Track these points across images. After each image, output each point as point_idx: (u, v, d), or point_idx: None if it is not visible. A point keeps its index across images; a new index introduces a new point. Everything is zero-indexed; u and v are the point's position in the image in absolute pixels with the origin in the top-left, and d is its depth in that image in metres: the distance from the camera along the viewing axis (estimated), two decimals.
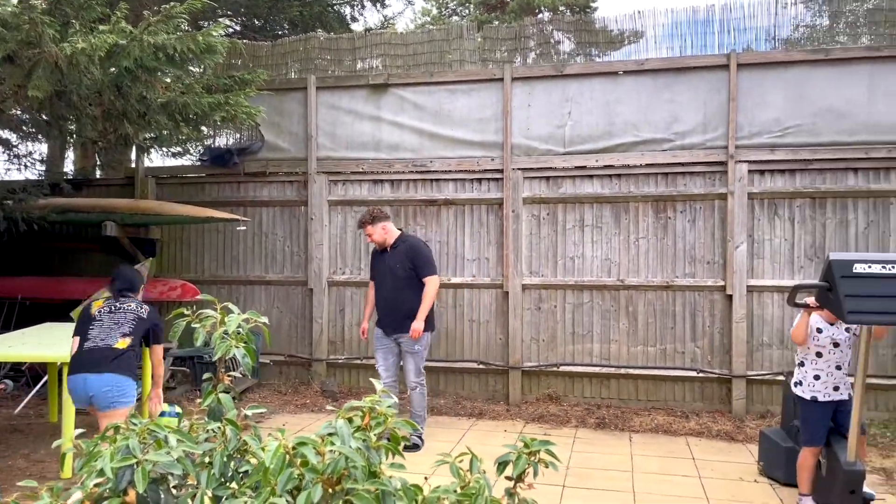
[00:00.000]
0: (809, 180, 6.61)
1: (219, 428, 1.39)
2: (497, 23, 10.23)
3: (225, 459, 1.33)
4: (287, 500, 1.08)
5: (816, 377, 4.32)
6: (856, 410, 4.03)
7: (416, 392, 5.72)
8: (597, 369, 6.96)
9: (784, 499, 4.64)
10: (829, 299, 3.88)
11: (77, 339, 4.45)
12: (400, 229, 6.02)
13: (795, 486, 4.76)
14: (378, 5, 11.19)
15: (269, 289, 7.84)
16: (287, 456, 1.15)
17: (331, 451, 1.14)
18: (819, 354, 4.31)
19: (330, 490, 1.10)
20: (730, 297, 6.68)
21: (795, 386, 4.43)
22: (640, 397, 6.91)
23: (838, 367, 4.28)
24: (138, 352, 4.54)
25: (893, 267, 3.62)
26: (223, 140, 8.07)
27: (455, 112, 7.31)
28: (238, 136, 7.98)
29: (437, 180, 7.37)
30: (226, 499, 1.20)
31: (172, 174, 8.19)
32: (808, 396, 4.33)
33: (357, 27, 11.90)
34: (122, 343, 4.35)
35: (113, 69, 4.20)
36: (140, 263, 7.42)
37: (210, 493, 1.28)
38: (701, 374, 6.77)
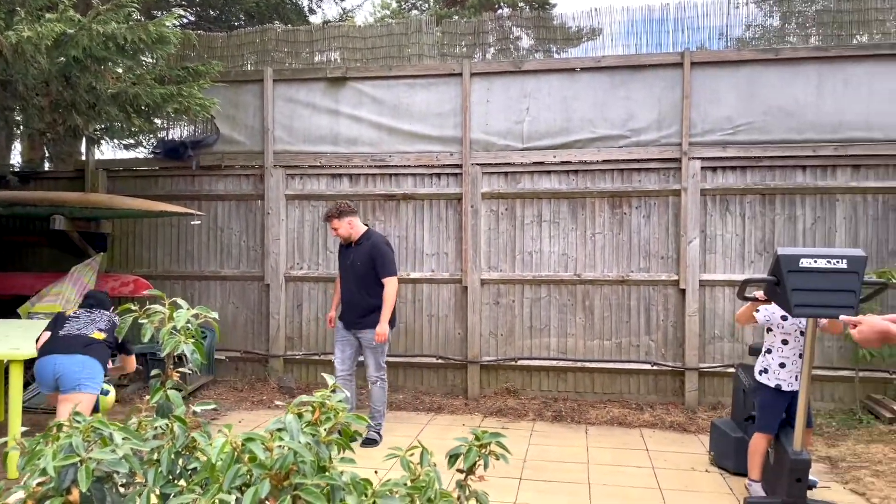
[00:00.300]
0: (760, 177, 6.77)
1: (167, 425, 1.37)
2: (457, 18, 10.24)
3: (173, 457, 1.31)
4: (235, 497, 1.07)
5: (782, 365, 4.41)
6: (802, 401, 4.16)
7: (376, 386, 5.71)
8: (554, 363, 7.03)
9: (734, 487, 4.76)
10: (776, 293, 3.99)
11: (48, 333, 4.54)
12: (366, 225, 5.99)
13: (745, 475, 4.89)
14: None
15: (225, 284, 7.72)
16: (235, 452, 1.13)
17: (279, 446, 1.13)
18: (785, 342, 4.42)
19: (278, 486, 1.09)
20: (683, 292, 6.81)
21: (760, 374, 4.50)
22: (596, 390, 7.01)
23: (801, 356, 4.38)
24: (111, 349, 4.63)
25: (838, 262, 3.74)
26: (177, 133, 7.91)
27: (414, 106, 7.29)
28: (192, 128, 7.83)
29: (396, 175, 7.35)
30: (173, 496, 1.19)
31: (124, 167, 8.00)
32: (773, 384, 4.41)
33: (315, 19, 11.78)
34: (98, 335, 4.49)
35: (61, 59, 4.08)
36: (90, 258, 7.24)
37: (157, 491, 1.26)
38: (655, 367, 6.89)
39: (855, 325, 2.33)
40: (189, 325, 1.55)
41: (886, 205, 6.58)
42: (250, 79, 7.56)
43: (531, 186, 7.11)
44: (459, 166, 7.17)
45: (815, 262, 3.76)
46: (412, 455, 1.30)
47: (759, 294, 4.47)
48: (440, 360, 7.24)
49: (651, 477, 4.98)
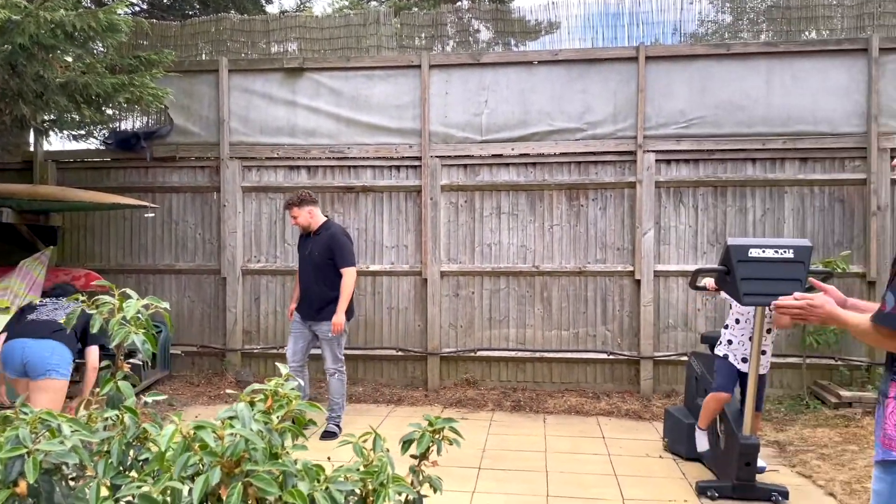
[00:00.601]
0: (712, 169, 6.93)
1: (117, 416, 1.35)
2: (416, 9, 10.20)
3: (123, 448, 1.30)
4: (187, 485, 1.07)
5: (730, 342, 4.61)
6: (751, 386, 4.29)
7: (334, 378, 5.69)
8: (513, 354, 7.10)
9: (686, 473, 4.89)
10: (726, 282, 4.10)
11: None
12: (326, 216, 5.96)
13: (697, 460, 5.04)
14: None
15: (180, 278, 7.60)
16: (186, 441, 1.13)
17: (230, 434, 1.13)
18: (737, 321, 4.58)
19: (229, 473, 1.10)
20: (638, 282, 6.94)
21: (718, 344, 4.71)
22: (554, 380, 7.10)
23: (752, 339, 4.51)
24: (78, 337, 4.53)
25: (785, 251, 3.86)
26: (129, 123, 7.73)
27: (373, 98, 7.26)
28: (145, 119, 7.67)
29: (354, 167, 7.31)
30: (124, 487, 1.18)
31: (74, 158, 7.79)
32: (720, 353, 4.64)
33: (272, 9, 11.61)
34: (66, 321, 4.41)
35: (6, 46, 3.95)
36: (40, 252, 7.05)
37: (108, 483, 1.24)
38: (611, 357, 7.01)
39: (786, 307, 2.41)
40: (139, 315, 1.53)
41: (832, 196, 6.79)
42: (205, 69, 7.43)
43: (490, 179, 7.15)
44: (419, 158, 7.17)
45: (764, 251, 3.87)
46: (365, 441, 1.31)
47: (710, 283, 4.59)
48: (400, 353, 7.24)
49: (607, 464, 5.08)
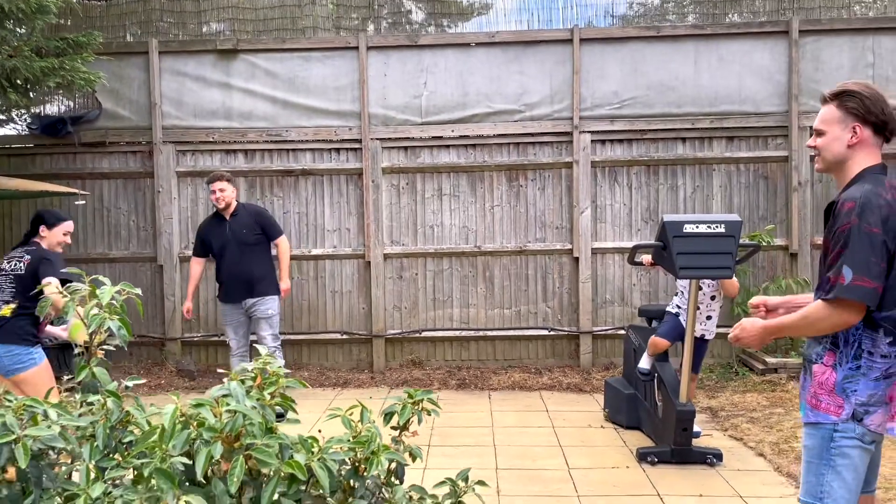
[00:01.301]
0: (644, 149, 7.15)
1: (99, 400, 1.36)
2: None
3: (108, 431, 1.31)
4: (184, 462, 1.09)
5: (678, 306, 4.92)
6: (687, 355, 4.51)
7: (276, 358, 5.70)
8: (457, 333, 7.21)
9: (626, 441, 5.10)
10: (663, 257, 4.28)
11: None
12: (258, 202, 5.97)
13: (637, 428, 5.28)
14: None
15: (114, 266, 7.38)
16: (183, 418, 1.15)
17: (227, 410, 1.17)
18: (682, 291, 4.88)
19: (229, 447, 1.13)
20: (576, 260, 7.13)
21: (668, 306, 5.08)
22: (497, 357, 7.25)
23: (696, 308, 4.72)
24: (32, 309, 4.15)
25: (717, 226, 4.06)
26: (54, 108, 7.42)
27: (310, 80, 7.18)
28: (71, 103, 7.37)
29: (293, 150, 7.23)
30: (111, 469, 1.19)
31: None
32: (671, 310, 5.04)
33: None
34: (6, 311, 4.14)
35: None
36: None
37: (92, 465, 1.25)
38: (552, 333, 7.20)
39: (737, 338, 2.52)
40: (114, 301, 1.53)
41: (756, 173, 7.12)
42: (134, 51, 7.19)
43: (431, 161, 7.19)
44: (359, 141, 7.14)
45: (697, 227, 4.06)
46: (352, 414, 1.36)
47: (647, 259, 4.78)
48: (345, 336, 7.25)
49: (552, 435, 5.25)
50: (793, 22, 6.95)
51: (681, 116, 7.08)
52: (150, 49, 7.13)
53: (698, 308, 4.77)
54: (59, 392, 1.50)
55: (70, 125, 7.07)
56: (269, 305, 5.71)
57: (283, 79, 7.19)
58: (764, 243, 6.69)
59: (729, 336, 2.54)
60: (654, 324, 5.29)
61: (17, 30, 4.74)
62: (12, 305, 4.17)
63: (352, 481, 1.25)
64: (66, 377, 1.60)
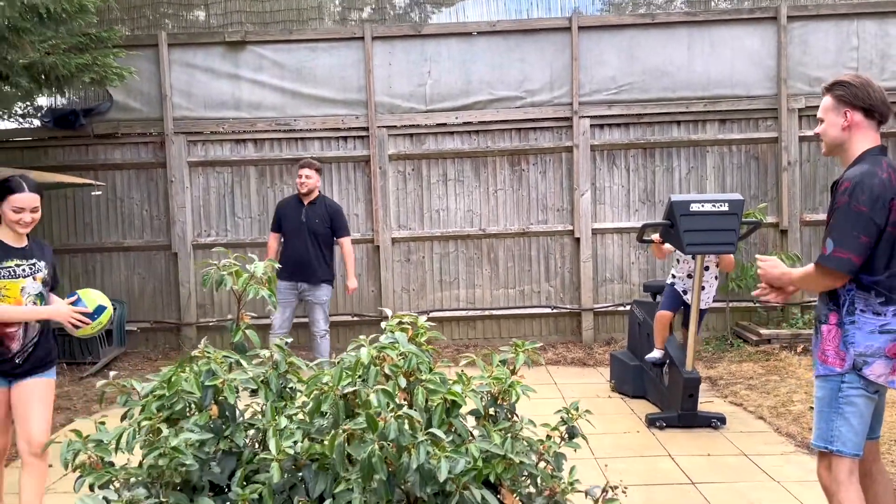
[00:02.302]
0: (641, 132, 7.44)
1: (268, 355, 1.62)
2: None
3: (277, 379, 1.57)
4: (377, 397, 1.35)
5: (673, 276, 5.30)
6: (692, 325, 4.83)
7: (325, 340, 6.10)
8: (464, 313, 7.50)
9: (634, 409, 5.42)
10: (670, 234, 4.58)
11: None
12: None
13: (643, 398, 5.59)
14: None
15: (129, 255, 7.57)
16: (375, 359, 1.42)
17: (399, 353, 1.43)
18: (678, 261, 5.24)
19: (408, 381, 1.40)
20: (577, 240, 7.43)
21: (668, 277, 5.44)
22: (503, 335, 7.55)
23: (689, 276, 5.11)
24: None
25: (721, 205, 4.36)
26: (64, 100, 7.55)
27: (317, 70, 7.38)
28: (81, 95, 7.51)
29: (302, 139, 7.44)
30: (285, 413, 1.46)
31: (8, 138, 7.57)
32: (668, 282, 5.36)
33: None
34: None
35: None
36: None
37: (269, 405, 1.52)
38: (555, 311, 7.51)
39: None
40: (266, 273, 1.78)
41: (748, 154, 7.44)
42: (144, 43, 7.33)
43: (436, 147, 7.44)
44: (366, 129, 7.37)
45: (703, 206, 4.36)
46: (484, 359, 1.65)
47: (656, 237, 5.08)
48: (355, 318, 7.51)
49: (564, 405, 5.55)
50: (781, 8, 7.24)
51: (675, 101, 7.36)
52: (160, 42, 7.28)
53: (690, 277, 5.13)
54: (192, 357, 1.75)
55: (82, 117, 7.22)
56: (325, 292, 6.03)
57: (291, 69, 7.38)
58: (765, 220, 7.02)
59: (759, 270, 2.85)
60: (659, 298, 5.60)
61: (53, 30, 4.88)
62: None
63: (492, 409, 1.54)
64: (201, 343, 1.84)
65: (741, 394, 5.63)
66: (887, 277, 2.54)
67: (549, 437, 1.67)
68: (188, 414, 1.52)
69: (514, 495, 1.46)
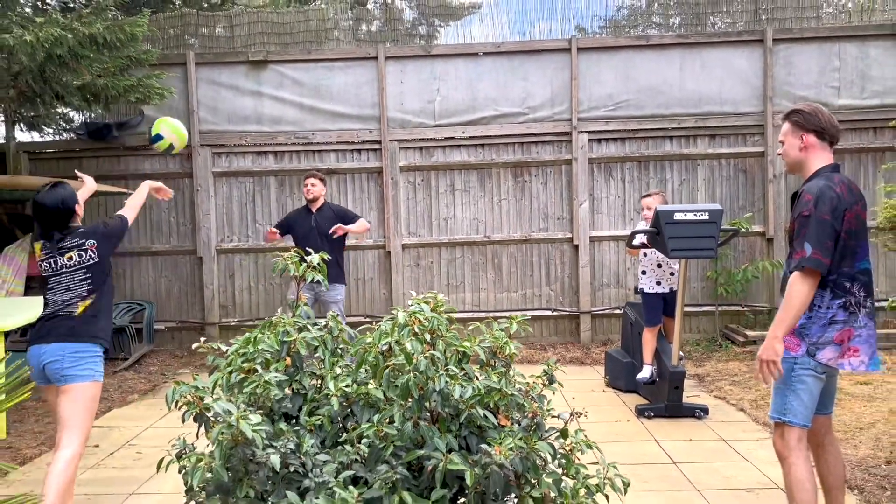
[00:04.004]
0: (636, 147, 7.95)
1: (325, 323, 2.14)
2: (370, 6, 10.80)
3: (331, 340, 2.08)
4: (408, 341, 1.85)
5: (643, 272, 5.78)
6: (678, 324, 5.31)
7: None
8: (469, 315, 7.99)
9: (626, 401, 5.91)
10: (657, 241, 5.08)
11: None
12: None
13: (634, 392, 6.07)
14: None
15: (157, 259, 8.10)
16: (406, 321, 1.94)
17: (424, 317, 1.94)
18: (645, 255, 5.74)
19: (432, 337, 1.91)
20: (576, 247, 7.93)
21: (641, 288, 5.81)
22: None
23: (659, 265, 5.62)
24: (104, 302, 3.69)
25: (702, 214, 4.86)
26: (99, 114, 8.10)
27: (334, 87, 7.92)
28: (115, 109, 8.05)
29: (319, 151, 7.98)
30: (338, 362, 1.97)
31: (46, 149, 8.13)
32: (641, 289, 5.79)
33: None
34: (81, 308, 3.59)
35: (41, 56, 4.44)
36: (20, 240, 7.43)
37: (326, 358, 2.03)
38: (555, 313, 8.01)
39: None
40: (320, 263, 2.29)
41: (736, 167, 7.94)
42: (173, 62, 7.88)
43: (444, 159, 7.96)
44: (378, 142, 7.90)
45: (686, 215, 4.86)
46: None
47: (644, 241, 5.58)
48: (368, 319, 8.01)
49: (562, 399, 6.04)
50: (767, 31, 7.76)
51: (668, 117, 7.88)
52: (188, 60, 7.84)
53: (660, 266, 5.66)
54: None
55: (115, 130, 7.77)
56: (339, 292, 6.52)
57: (309, 87, 7.92)
58: (743, 230, 7.51)
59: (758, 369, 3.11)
60: None
61: (107, 56, 5.41)
62: (88, 301, 3.61)
63: (492, 360, 2.04)
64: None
65: (725, 389, 6.11)
66: (837, 276, 3.02)
67: (534, 382, 2.17)
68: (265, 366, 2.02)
69: (507, 418, 1.96)
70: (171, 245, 8.09)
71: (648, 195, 5.91)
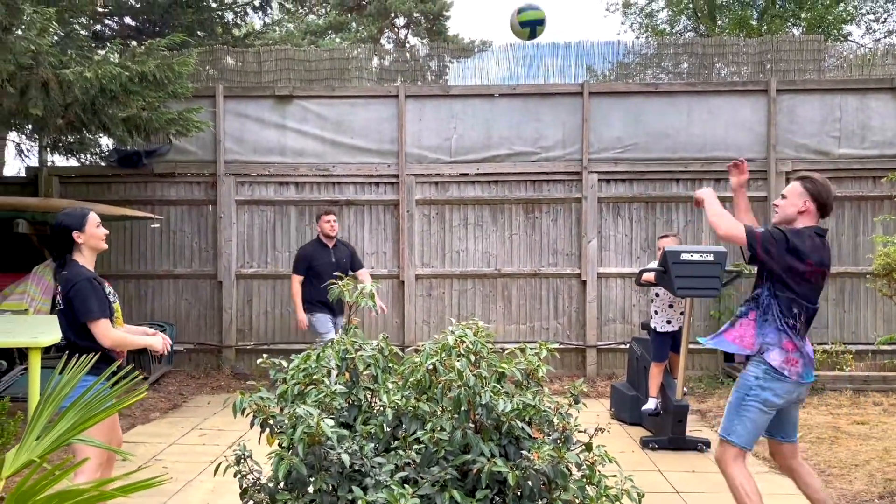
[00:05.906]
0: (644, 188, 8.27)
1: (377, 344, 2.43)
2: (384, 43, 11.24)
3: (383, 359, 2.37)
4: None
5: (655, 312, 6.00)
6: (682, 360, 5.56)
7: None
8: None
9: (631, 433, 6.12)
10: (664, 279, 5.35)
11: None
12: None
13: (639, 424, 6.28)
14: (260, 13, 11.83)
15: (178, 282, 8.37)
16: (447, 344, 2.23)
17: (471, 340, 2.23)
18: (657, 295, 5.99)
19: (475, 357, 2.18)
20: (584, 283, 8.20)
21: (654, 326, 6.01)
22: None
23: (671, 305, 5.86)
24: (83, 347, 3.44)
25: (707, 255, 5.14)
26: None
27: (355, 123, 8.27)
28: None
29: (338, 183, 8.30)
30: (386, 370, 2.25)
31: (76, 174, 8.46)
32: (653, 327, 6.01)
33: (237, 32, 12.39)
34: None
35: (93, 91, 4.77)
36: (48, 259, 7.71)
37: (379, 373, 2.31)
38: (562, 346, 8.24)
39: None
40: (371, 290, 2.58)
41: None
42: (203, 94, 8.24)
43: (458, 194, 8.28)
44: (396, 176, 8.22)
45: (692, 255, 5.14)
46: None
47: (651, 279, 5.86)
48: None
49: None
50: (771, 82, 8.12)
51: (675, 160, 8.20)
52: (217, 93, 8.20)
53: (671, 306, 5.88)
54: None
55: (144, 158, 8.10)
56: None
57: (332, 121, 8.28)
58: (746, 271, 7.77)
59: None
60: None
61: (154, 91, 5.74)
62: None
63: (526, 381, 2.36)
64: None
65: None
66: (796, 299, 3.39)
67: (561, 402, 2.47)
68: (325, 379, 2.30)
69: (539, 431, 2.23)
70: (192, 269, 8.37)
71: (665, 236, 6.22)
